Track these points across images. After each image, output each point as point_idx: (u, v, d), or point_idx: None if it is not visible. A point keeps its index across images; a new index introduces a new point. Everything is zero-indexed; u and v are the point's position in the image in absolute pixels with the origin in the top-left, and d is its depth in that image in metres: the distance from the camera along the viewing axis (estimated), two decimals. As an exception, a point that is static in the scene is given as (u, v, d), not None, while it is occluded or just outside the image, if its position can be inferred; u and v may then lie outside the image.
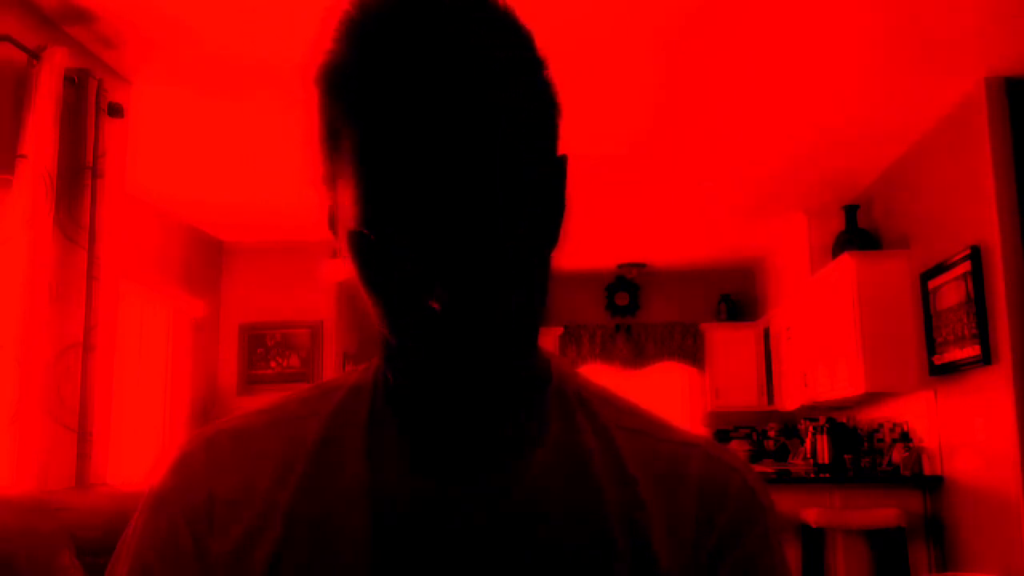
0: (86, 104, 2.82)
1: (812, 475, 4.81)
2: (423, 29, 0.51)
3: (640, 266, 6.92)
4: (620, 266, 6.95)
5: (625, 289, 7.25)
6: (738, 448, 6.61)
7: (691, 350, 7.14)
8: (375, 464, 0.61)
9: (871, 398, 4.76)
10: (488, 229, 0.52)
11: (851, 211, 4.77)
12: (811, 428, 5.31)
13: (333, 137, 0.54)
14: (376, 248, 0.53)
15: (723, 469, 0.64)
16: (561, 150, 0.61)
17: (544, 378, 0.65)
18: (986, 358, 3.47)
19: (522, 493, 0.59)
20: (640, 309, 7.27)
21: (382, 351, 0.62)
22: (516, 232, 0.53)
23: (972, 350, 3.58)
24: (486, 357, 0.55)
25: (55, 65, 2.65)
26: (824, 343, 4.95)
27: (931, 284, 4.00)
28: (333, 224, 0.61)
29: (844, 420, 5.33)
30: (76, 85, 2.81)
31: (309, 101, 0.55)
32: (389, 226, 0.52)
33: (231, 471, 0.62)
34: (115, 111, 2.95)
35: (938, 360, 3.94)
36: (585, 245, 6.33)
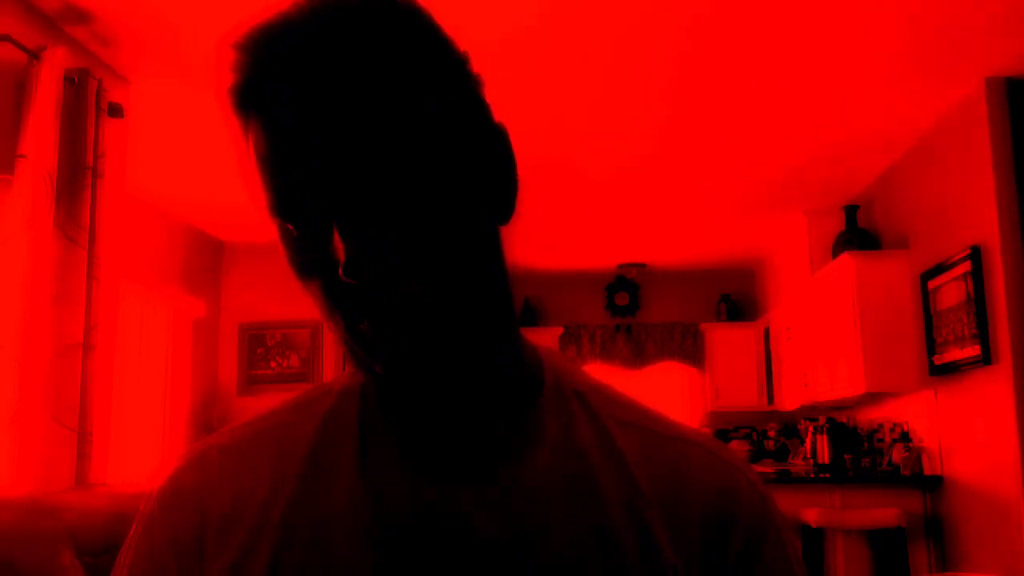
0: (86, 104, 2.82)
1: (812, 475, 4.81)
2: (315, 28, 0.53)
3: (640, 266, 6.92)
4: (620, 266, 6.95)
5: (625, 289, 7.25)
6: (738, 448, 6.61)
7: (691, 350, 7.14)
8: (370, 470, 0.60)
9: (871, 398, 4.76)
10: (398, 206, 0.52)
11: (851, 211, 4.77)
12: (811, 428, 5.31)
13: (245, 144, 0.56)
14: (293, 237, 0.55)
15: (727, 469, 0.64)
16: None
17: (537, 375, 0.64)
18: (986, 358, 3.47)
19: (523, 493, 0.59)
20: (640, 309, 7.27)
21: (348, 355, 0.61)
22: (426, 196, 0.53)
23: (972, 350, 3.58)
24: (418, 333, 0.54)
25: (55, 65, 2.65)
26: (824, 343, 4.95)
27: (931, 284, 4.00)
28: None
29: (844, 420, 5.33)
30: (76, 85, 2.81)
31: (227, 117, 0.57)
32: (296, 214, 0.54)
33: (224, 486, 0.62)
34: (115, 111, 2.94)
35: (938, 360, 3.94)
36: (585, 245, 6.33)
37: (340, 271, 0.52)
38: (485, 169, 0.58)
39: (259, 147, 0.54)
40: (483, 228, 0.57)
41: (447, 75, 0.57)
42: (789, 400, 5.89)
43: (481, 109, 0.59)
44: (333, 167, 0.51)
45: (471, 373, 0.58)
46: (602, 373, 6.94)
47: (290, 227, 0.55)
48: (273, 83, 0.53)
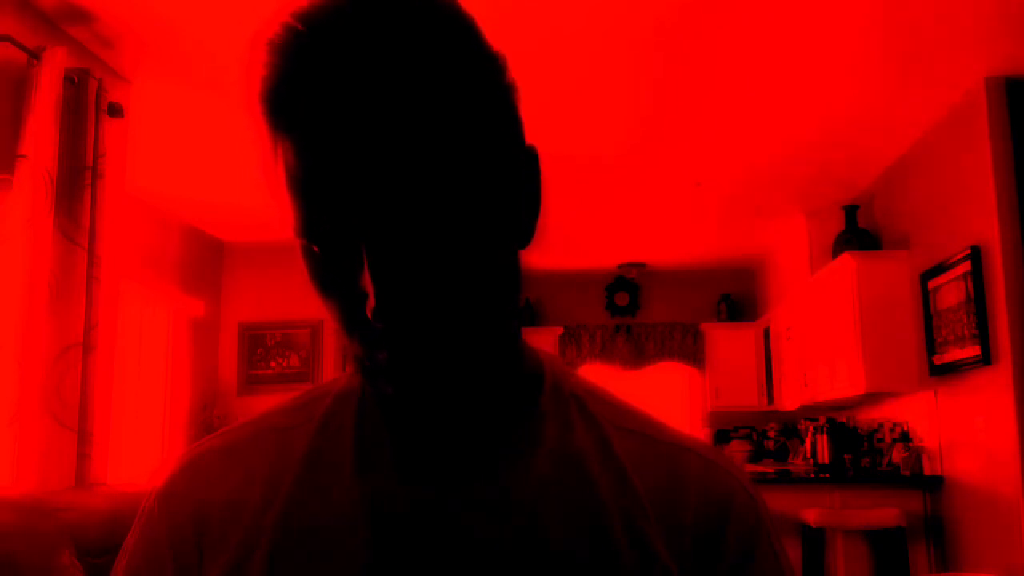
0: (86, 104, 2.82)
1: (812, 475, 4.81)
2: (356, 38, 0.50)
3: (640, 266, 6.92)
4: (620, 266, 6.95)
5: (625, 289, 7.25)
6: (738, 448, 6.61)
7: (691, 350, 7.14)
8: (366, 473, 0.60)
9: (871, 398, 4.76)
10: (426, 233, 0.51)
11: (851, 211, 4.77)
12: (811, 428, 5.31)
13: (274, 152, 0.53)
14: (318, 258, 0.53)
15: (721, 476, 0.63)
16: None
17: (537, 380, 0.64)
18: (986, 358, 3.47)
19: (520, 496, 0.58)
20: (640, 309, 7.27)
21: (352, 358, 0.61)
22: (462, 233, 0.52)
23: (972, 350, 3.58)
24: (437, 367, 0.54)
25: (55, 65, 2.65)
26: (824, 343, 4.96)
27: (931, 284, 4.00)
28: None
29: (844, 420, 5.34)
30: (76, 85, 2.81)
31: (254, 120, 0.54)
32: (324, 236, 0.52)
33: (220, 488, 0.62)
34: (115, 111, 2.94)
35: (938, 360, 3.94)
36: (585, 245, 6.33)
37: (368, 313, 0.51)
38: (516, 198, 0.58)
39: (289, 163, 0.52)
40: (509, 257, 0.58)
41: (491, 95, 0.55)
42: (789, 400, 5.89)
43: (518, 132, 0.58)
44: (371, 195, 0.50)
45: (477, 382, 0.58)
46: (602, 373, 6.94)
47: (315, 248, 0.53)
48: (310, 97, 0.50)
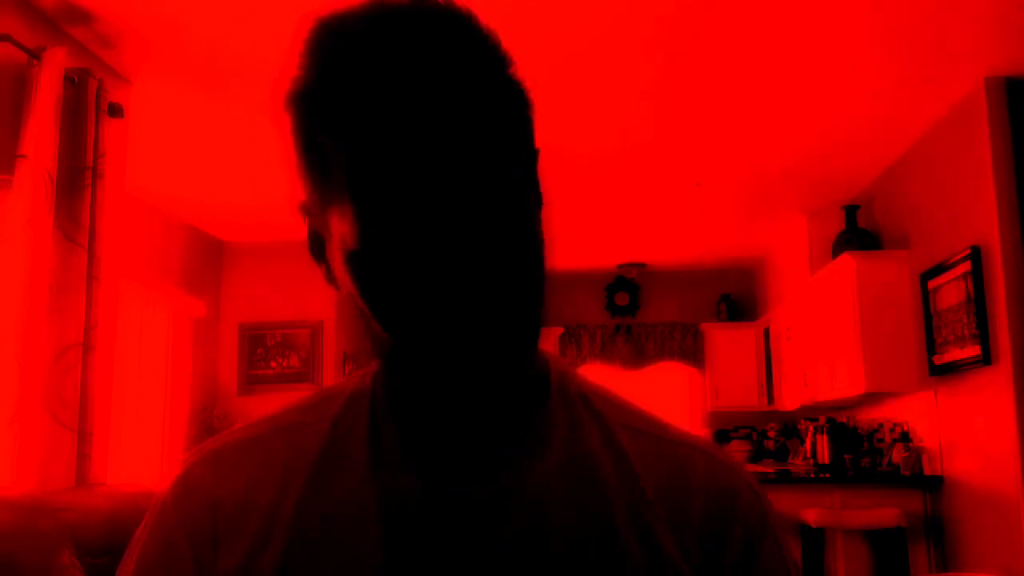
0: (86, 104, 2.82)
1: (812, 475, 4.81)
2: (394, 45, 0.52)
3: (640, 266, 6.92)
4: (620, 266, 6.95)
5: (625, 289, 7.25)
6: (738, 448, 6.62)
7: (691, 350, 7.14)
8: (379, 470, 0.61)
9: (871, 398, 4.76)
10: (490, 238, 0.53)
11: (851, 211, 4.77)
12: (811, 428, 5.31)
13: (318, 162, 0.55)
14: (378, 267, 0.54)
15: (727, 474, 0.64)
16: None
17: (544, 380, 0.65)
18: (986, 358, 3.47)
19: (530, 495, 0.59)
20: (640, 309, 7.27)
21: (381, 357, 0.63)
22: (515, 236, 0.54)
23: (972, 350, 3.58)
24: (489, 365, 0.56)
25: (55, 65, 2.65)
26: (824, 343, 4.96)
27: (931, 284, 4.00)
28: (317, 247, 0.61)
29: (844, 420, 5.34)
30: (76, 85, 2.81)
31: (283, 124, 0.55)
32: (390, 246, 0.53)
33: (236, 483, 0.63)
34: (115, 111, 2.94)
35: (938, 360, 3.94)
36: (585, 245, 6.33)
37: (413, 314, 0.53)
38: (539, 203, 0.60)
39: (339, 171, 0.53)
40: (543, 261, 0.59)
41: (517, 101, 0.57)
42: (789, 400, 5.89)
43: (531, 132, 0.60)
44: (424, 202, 0.51)
45: (505, 380, 0.60)
46: (602, 373, 6.94)
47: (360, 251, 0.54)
48: (362, 106, 0.52)
